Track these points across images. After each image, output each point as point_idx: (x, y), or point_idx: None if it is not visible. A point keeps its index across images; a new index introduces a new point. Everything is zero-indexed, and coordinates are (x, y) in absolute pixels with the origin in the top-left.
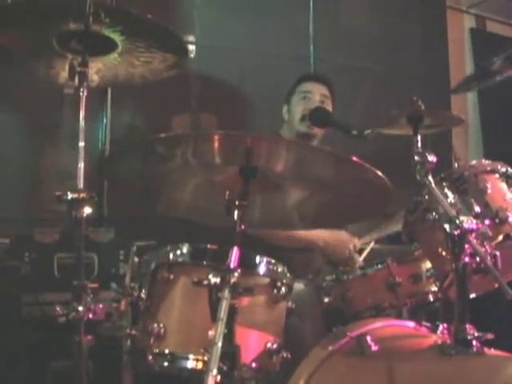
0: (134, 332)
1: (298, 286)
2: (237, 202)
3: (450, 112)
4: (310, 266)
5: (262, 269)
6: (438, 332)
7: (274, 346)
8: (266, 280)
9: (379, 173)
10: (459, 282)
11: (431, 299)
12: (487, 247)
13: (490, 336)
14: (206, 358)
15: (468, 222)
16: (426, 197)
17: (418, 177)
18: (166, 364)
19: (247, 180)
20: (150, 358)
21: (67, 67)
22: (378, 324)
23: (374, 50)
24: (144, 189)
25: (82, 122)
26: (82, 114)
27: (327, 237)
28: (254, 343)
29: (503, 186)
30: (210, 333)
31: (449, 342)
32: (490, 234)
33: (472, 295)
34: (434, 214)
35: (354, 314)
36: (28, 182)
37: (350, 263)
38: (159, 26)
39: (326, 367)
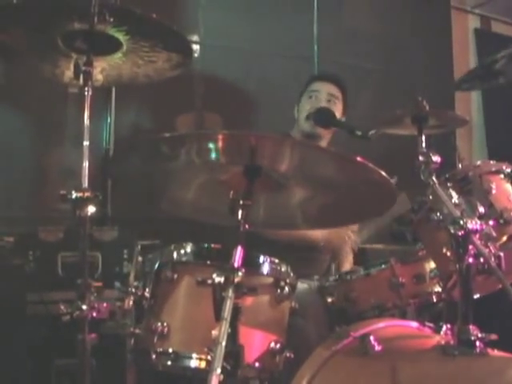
0: (137, 331)
1: (302, 285)
2: (241, 202)
3: (455, 112)
4: (316, 266)
5: (265, 268)
6: (442, 332)
7: (278, 345)
8: (270, 280)
9: (383, 173)
10: (463, 283)
11: (435, 300)
12: (491, 248)
13: (493, 337)
14: (209, 357)
15: (472, 223)
16: (431, 197)
17: (422, 177)
18: (169, 363)
19: (251, 179)
20: (154, 356)
21: (72, 66)
22: (382, 324)
23: (377, 50)
24: (148, 188)
25: (86, 121)
26: (86, 113)
27: (326, 233)
28: (257, 343)
29: (508, 186)
30: (214, 332)
31: (452, 342)
32: (494, 234)
33: (476, 296)
34: (438, 214)
35: (357, 313)
36: (32, 180)
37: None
38: (164, 26)
39: (329, 367)
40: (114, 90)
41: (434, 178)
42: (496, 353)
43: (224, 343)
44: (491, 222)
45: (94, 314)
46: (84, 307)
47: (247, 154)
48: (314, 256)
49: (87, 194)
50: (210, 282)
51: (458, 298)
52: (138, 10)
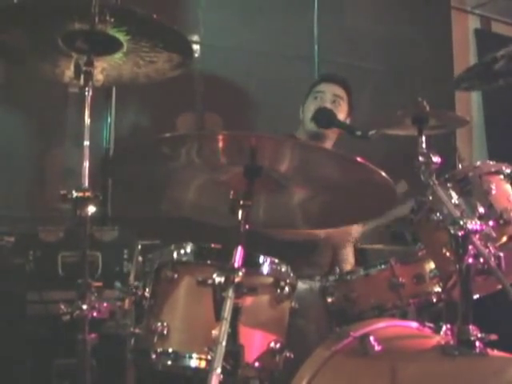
0: (137, 331)
1: (303, 286)
2: (241, 202)
3: (455, 113)
4: (317, 266)
5: (265, 268)
6: (442, 333)
7: (278, 345)
8: (270, 280)
9: (383, 173)
10: (463, 283)
11: (434, 300)
12: (491, 248)
13: (493, 337)
14: (209, 357)
15: (472, 223)
16: (430, 197)
17: (422, 177)
18: (169, 363)
19: (252, 180)
20: (154, 356)
21: (72, 66)
22: (381, 324)
23: (378, 50)
24: (148, 188)
25: (86, 121)
26: (86, 113)
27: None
28: (257, 342)
29: (508, 187)
30: (214, 332)
31: (452, 342)
32: (494, 235)
33: (475, 296)
34: (438, 214)
35: (357, 314)
36: (33, 180)
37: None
38: (164, 26)
39: (329, 367)
40: (114, 90)
41: (433, 179)
42: (496, 353)
43: (224, 343)
44: (491, 223)
45: (94, 314)
46: (84, 307)
47: (247, 154)
48: (317, 254)
49: (87, 194)
50: (210, 281)
51: (457, 298)
52: (139, 11)
